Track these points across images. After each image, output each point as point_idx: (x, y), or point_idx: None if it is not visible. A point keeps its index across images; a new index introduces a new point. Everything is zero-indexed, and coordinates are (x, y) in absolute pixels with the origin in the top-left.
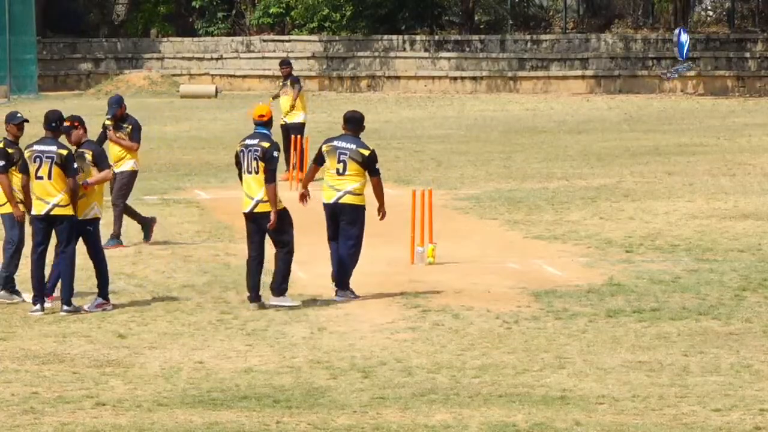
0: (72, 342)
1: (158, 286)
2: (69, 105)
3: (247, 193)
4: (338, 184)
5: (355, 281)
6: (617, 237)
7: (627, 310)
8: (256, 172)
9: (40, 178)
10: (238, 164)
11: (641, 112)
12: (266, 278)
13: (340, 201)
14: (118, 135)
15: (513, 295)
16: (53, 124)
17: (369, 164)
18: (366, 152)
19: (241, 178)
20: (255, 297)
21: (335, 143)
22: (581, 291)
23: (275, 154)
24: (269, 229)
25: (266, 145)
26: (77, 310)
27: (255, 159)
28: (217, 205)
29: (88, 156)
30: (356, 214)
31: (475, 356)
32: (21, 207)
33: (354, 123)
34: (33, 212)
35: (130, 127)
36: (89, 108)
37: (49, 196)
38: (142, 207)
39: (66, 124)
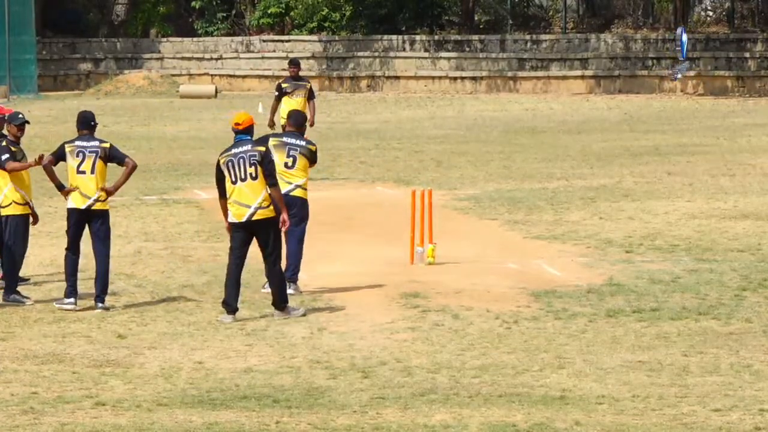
0: (71, 342)
1: (158, 286)
2: (69, 105)
3: (241, 202)
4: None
5: (356, 281)
6: (617, 237)
7: (627, 310)
8: (253, 178)
9: (83, 172)
10: (221, 180)
11: (641, 112)
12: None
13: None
14: None
15: (513, 295)
16: (92, 123)
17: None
18: (313, 147)
19: (223, 195)
20: (235, 308)
21: (284, 139)
22: (581, 291)
23: (272, 157)
24: (283, 228)
25: (262, 149)
26: (107, 308)
27: (253, 164)
28: (216, 206)
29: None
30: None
31: (475, 356)
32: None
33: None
34: (72, 205)
35: None
36: (89, 108)
37: (90, 192)
38: (141, 207)
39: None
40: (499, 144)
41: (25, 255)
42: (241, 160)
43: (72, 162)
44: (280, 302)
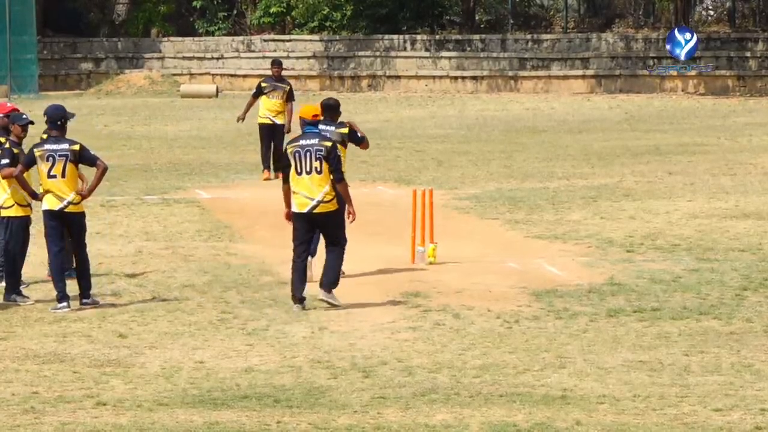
0: (72, 342)
1: (158, 286)
2: (69, 105)
3: (304, 193)
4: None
5: (356, 281)
6: (618, 236)
7: (628, 310)
8: (318, 172)
9: (54, 176)
10: (287, 166)
11: (642, 112)
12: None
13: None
14: None
15: (513, 294)
16: (58, 123)
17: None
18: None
19: (286, 180)
20: (302, 298)
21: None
22: (582, 290)
23: (338, 152)
24: (349, 222)
25: (329, 144)
26: (96, 302)
27: (319, 158)
28: (217, 205)
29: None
30: None
31: (476, 356)
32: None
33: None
34: (46, 207)
35: None
36: (90, 107)
37: (64, 194)
38: (142, 207)
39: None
40: (500, 143)
41: (25, 256)
42: (308, 152)
43: (42, 167)
44: (330, 284)
